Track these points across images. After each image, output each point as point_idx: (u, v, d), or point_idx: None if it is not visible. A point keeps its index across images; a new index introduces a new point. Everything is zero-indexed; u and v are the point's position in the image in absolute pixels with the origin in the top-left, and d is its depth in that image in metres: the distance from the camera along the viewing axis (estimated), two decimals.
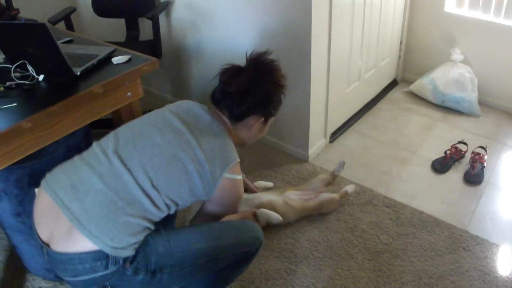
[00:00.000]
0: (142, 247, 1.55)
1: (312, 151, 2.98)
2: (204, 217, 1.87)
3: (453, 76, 3.34)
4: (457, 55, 3.36)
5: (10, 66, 2.01)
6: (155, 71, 3.41)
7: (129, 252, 1.51)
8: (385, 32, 3.31)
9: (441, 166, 2.84)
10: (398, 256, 2.27)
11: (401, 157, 2.96)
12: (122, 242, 1.49)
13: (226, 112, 1.80)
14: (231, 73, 1.79)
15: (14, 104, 1.85)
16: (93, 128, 2.23)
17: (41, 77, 2.02)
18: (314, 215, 2.52)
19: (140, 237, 1.54)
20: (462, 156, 2.91)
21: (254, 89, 1.75)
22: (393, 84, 3.77)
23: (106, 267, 1.49)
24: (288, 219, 2.44)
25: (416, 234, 2.38)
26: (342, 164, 2.68)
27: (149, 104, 3.70)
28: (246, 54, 1.82)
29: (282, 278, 2.22)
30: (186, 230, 1.74)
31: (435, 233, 2.38)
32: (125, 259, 1.51)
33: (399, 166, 2.89)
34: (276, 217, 2.21)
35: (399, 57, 3.72)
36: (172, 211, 1.65)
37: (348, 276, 2.20)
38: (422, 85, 3.50)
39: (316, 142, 3.01)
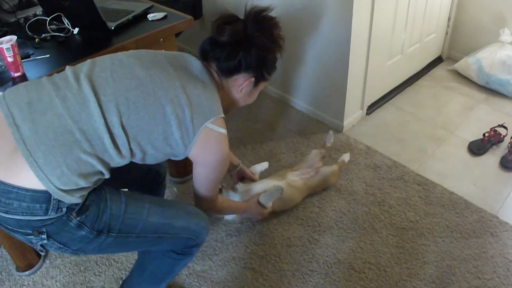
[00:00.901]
0: (96, 202, 1.43)
1: (348, 121, 2.95)
2: (195, 190, 1.74)
3: (500, 58, 3.23)
4: (506, 36, 3.24)
5: (46, 18, 2.04)
6: (197, 32, 3.39)
7: (74, 199, 1.34)
8: (433, 6, 3.21)
9: (477, 148, 2.78)
10: (423, 235, 2.25)
11: (438, 135, 2.91)
12: (69, 183, 1.31)
13: (214, 64, 1.61)
14: (226, 19, 1.57)
15: (47, 56, 1.88)
16: None
17: (76, 30, 2.04)
18: (319, 191, 2.51)
19: (89, 183, 1.37)
20: (501, 140, 2.84)
21: (249, 43, 1.57)
22: (437, 61, 3.68)
23: (46, 212, 1.32)
24: (295, 201, 2.42)
25: (444, 215, 2.35)
26: (332, 135, 2.60)
27: None
28: (246, 6, 1.63)
29: (304, 246, 2.23)
30: (145, 199, 1.60)
31: (463, 216, 2.35)
32: (70, 208, 1.36)
33: (434, 144, 2.84)
34: (276, 189, 2.22)
35: (446, 33, 3.61)
36: (137, 159, 1.48)
37: (370, 250, 2.19)
38: (467, 64, 3.41)
39: (352, 113, 2.97)
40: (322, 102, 3.00)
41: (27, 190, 1.28)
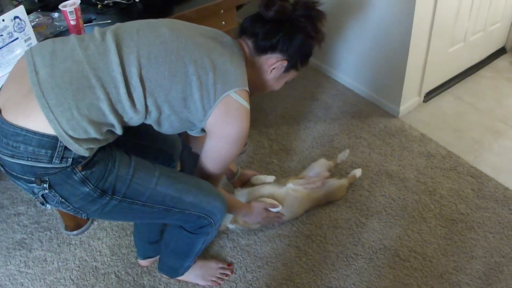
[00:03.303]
0: (104, 160, 1.39)
1: (404, 107, 2.90)
2: (201, 166, 1.65)
3: None
4: None
5: None
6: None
7: (81, 150, 1.30)
8: None
9: None
10: (472, 228, 2.21)
11: (496, 128, 2.83)
12: (78, 129, 1.28)
13: (249, 40, 1.57)
14: None
15: (109, 21, 1.91)
16: None
17: None
18: (322, 204, 2.35)
19: (99, 134, 1.33)
20: None
21: (293, 25, 1.53)
22: (500, 51, 3.55)
23: (50, 159, 1.28)
24: (295, 214, 2.26)
25: (496, 210, 2.30)
26: (347, 153, 2.50)
27: None
28: None
29: (351, 228, 2.23)
30: (156, 168, 1.54)
31: None
32: (76, 161, 1.32)
33: (492, 137, 2.77)
34: (275, 205, 2.12)
35: None
36: (151, 118, 1.43)
37: (417, 239, 2.17)
38: None
39: (409, 99, 2.92)
40: (379, 86, 2.95)
41: (35, 133, 1.25)
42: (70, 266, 2.16)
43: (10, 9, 1.66)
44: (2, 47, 1.56)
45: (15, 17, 1.59)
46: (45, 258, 2.20)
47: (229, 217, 2.13)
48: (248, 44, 1.58)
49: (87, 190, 1.37)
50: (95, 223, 2.34)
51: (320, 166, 2.37)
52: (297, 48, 1.57)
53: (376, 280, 2.02)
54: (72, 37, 1.38)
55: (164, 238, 1.91)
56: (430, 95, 3.05)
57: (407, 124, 2.85)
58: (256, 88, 1.66)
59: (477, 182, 2.45)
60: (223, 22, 2.10)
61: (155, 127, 1.51)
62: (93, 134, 1.31)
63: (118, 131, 1.39)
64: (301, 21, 1.53)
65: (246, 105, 1.49)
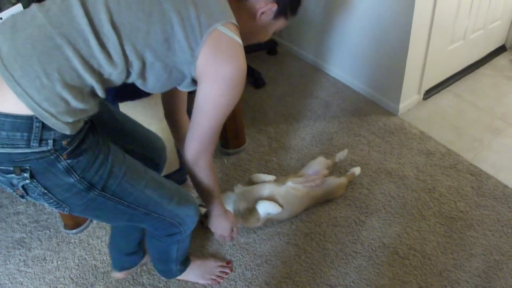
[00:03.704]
0: (94, 149, 1.29)
1: (403, 105, 2.90)
2: (192, 124, 1.43)
3: None
4: None
5: None
6: None
7: (60, 126, 1.17)
8: None
9: None
10: (472, 226, 2.21)
11: (496, 126, 2.83)
12: (52, 97, 1.14)
13: None
14: None
15: None
16: None
17: None
18: (321, 202, 2.35)
19: (79, 101, 1.18)
20: None
21: None
22: (500, 49, 3.55)
23: (28, 143, 1.16)
24: (294, 212, 2.26)
25: (496, 208, 2.29)
26: (345, 153, 2.51)
27: None
28: None
29: (350, 226, 2.23)
30: (146, 170, 1.48)
31: None
32: (60, 145, 1.20)
33: (491, 135, 2.76)
34: (275, 208, 2.11)
35: None
36: (134, 71, 1.26)
37: (417, 237, 2.17)
38: None
39: (409, 96, 2.92)
40: (379, 84, 2.95)
41: (6, 115, 1.13)
42: (69, 265, 2.16)
43: (8, 8, 1.65)
44: None
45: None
46: (45, 257, 2.20)
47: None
48: None
49: (72, 180, 1.26)
50: (95, 221, 2.34)
51: (318, 164, 2.37)
52: None
53: (375, 278, 2.02)
54: (33, 5, 1.21)
55: (146, 245, 1.93)
56: (429, 93, 3.05)
57: (406, 122, 2.85)
58: (243, 37, 1.43)
59: (476, 180, 2.45)
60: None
61: (140, 85, 1.34)
62: (73, 102, 1.17)
63: (101, 94, 1.24)
64: None
65: (238, 39, 1.30)
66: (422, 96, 3.02)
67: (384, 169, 2.52)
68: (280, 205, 2.12)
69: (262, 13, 1.45)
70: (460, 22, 2.88)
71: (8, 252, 2.23)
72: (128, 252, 2.01)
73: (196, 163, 1.50)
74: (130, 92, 2.05)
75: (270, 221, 2.22)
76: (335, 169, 2.51)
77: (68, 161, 1.23)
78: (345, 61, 3.14)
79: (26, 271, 2.14)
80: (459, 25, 2.91)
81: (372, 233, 2.20)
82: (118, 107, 2.05)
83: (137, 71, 1.26)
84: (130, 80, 1.30)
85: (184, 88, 1.43)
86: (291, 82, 3.28)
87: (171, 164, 2.31)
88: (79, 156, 1.25)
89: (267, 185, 2.19)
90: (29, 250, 2.23)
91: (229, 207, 2.10)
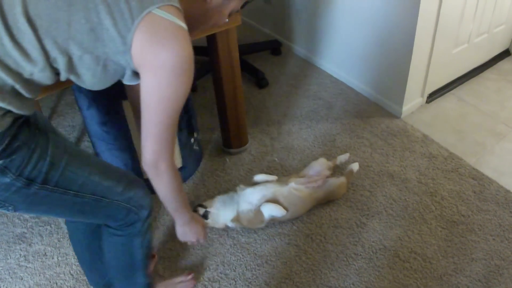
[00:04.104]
0: (28, 143, 1.19)
1: (407, 108, 2.89)
2: (142, 125, 1.30)
3: None
4: None
5: None
6: (259, 7, 3.37)
7: None
8: None
9: None
10: (473, 230, 2.21)
11: (499, 130, 2.83)
12: None
13: None
14: None
15: None
16: None
17: None
18: (323, 203, 2.35)
19: (2, 101, 1.11)
20: None
21: None
22: (505, 54, 3.54)
23: None
24: (297, 213, 2.25)
25: (497, 213, 2.29)
26: (347, 156, 2.53)
27: (248, 38, 3.71)
28: None
29: (351, 228, 2.23)
30: (89, 155, 1.43)
31: None
32: None
33: (494, 139, 2.76)
34: (280, 211, 2.11)
35: None
36: (61, 67, 1.17)
37: (418, 240, 2.17)
38: None
39: (412, 99, 2.92)
40: (382, 86, 2.95)
41: None
42: (69, 261, 2.16)
43: None
44: None
45: None
46: (45, 253, 2.20)
47: (230, 215, 2.13)
48: None
49: (8, 180, 1.17)
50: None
51: (320, 165, 2.37)
52: None
53: (375, 281, 2.02)
54: None
55: (105, 260, 1.72)
56: (433, 96, 3.05)
57: (409, 124, 2.84)
58: (196, 21, 1.37)
59: (478, 184, 2.44)
60: (227, 20, 2.08)
61: (76, 81, 1.26)
62: None
63: (25, 93, 1.16)
64: None
65: (179, 22, 1.17)
66: (425, 99, 3.01)
67: (386, 171, 2.51)
68: (284, 207, 2.12)
69: None
70: (464, 25, 2.88)
71: (9, 247, 2.23)
72: (96, 265, 1.87)
73: (155, 165, 1.34)
74: None
75: (271, 222, 2.22)
76: (336, 171, 2.51)
77: (0, 161, 1.15)
78: (349, 63, 3.14)
79: (26, 266, 2.14)
80: (464, 29, 2.90)
81: (373, 235, 2.20)
82: (122, 104, 2.06)
83: (64, 67, 1.17)
84: (62, 78, 1.22)
85: (128, 81, 1.33)
86: (294, 82, 3.27)
87: None
88: (12, 155, 1.16)
89: (269, 185, 2.19)
90: (29, 245, 2.23)
91: (232, 208, 2.10)
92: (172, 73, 1.18)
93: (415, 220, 2.26)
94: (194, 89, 3.18)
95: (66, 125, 2.96)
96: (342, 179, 2.34)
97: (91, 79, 1.24)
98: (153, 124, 1.28)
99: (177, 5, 1.20)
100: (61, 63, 1.15)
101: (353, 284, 2.01)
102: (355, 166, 2.44)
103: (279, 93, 3.17)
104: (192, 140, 2.40)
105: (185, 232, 1.74)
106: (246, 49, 3.36)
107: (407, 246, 2.14)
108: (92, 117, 2.13)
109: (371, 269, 2.06)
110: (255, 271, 2.08)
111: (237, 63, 2.29)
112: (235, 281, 2.04)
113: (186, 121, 2.29)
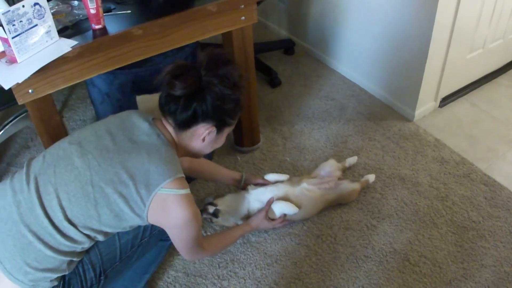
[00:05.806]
0: (75, 271, 1.51)
1: (419, 111, 2.89)
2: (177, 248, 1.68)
3: None
4: None
5: None
6: (274, 6, 3.37)
7: (53, 284, 1.46)
8: None
9: None
10: (484, 236, 2.21)
11: (511, 137, 2.82)
12: (38, 277, 1.42)
13: (170, 119, 1.55)
14: (176, 71, 1.48)
15: (129, 11, 1.90)
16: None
17: None
18: (333, 205, 2.35)
19: (62, 270, 1.46)
20: None
21: (203, 92, 1.49)
22: None
23: None
24: (308, 213, 2.24)
25: (508, 219, 2.29)
26: (355, 159, 2.55)
27: (261, 37, 3.72)
28: (198, 52, 1.60)
29: (361, 231, 2.23)
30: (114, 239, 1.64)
31: None
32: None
33: (506, 146, 2.75)
34: (292, 209, 2.11)
35: None
36: (98, 238, 1.50)
37: (428, 245, 2.17)
38: None
39: (425, 103, 2.91)
40: (396, 89, 2.94)
41: None
42: None
43: None
44: (21, 33, 1.56)
45: (35, 4, 1.58)
46: None
47: (241, 214, 2.13)
48: (171, 124, 1.57)
49: None
50: None
51: (330, 166, 2.36)
52: (217, 112, 1.54)
53: (385, 284, 2.02)
54: (8, 188, 1.46)
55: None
56: (446, 101, 3.04)
57: (421, 128, 2.84)
58: (197, 152, 1.69)
59: (489, 190, 2.44)
60: (243, 17, 2.09)
61: (112, 232, 1.56)
62: (54, 275, 1.44)
63: (75, 258, 1.49)
64: (212, 84, 1.50)
65: (182, 191, 1.47)
66: (438, 103, 3.01)
67: (397, 174, 2.51)
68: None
69: (204, 138, 1.60)
70: (480, 31, 2.87)
71: None
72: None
73: (195, 259, 1.86)
74: (147, 85, 2.06)
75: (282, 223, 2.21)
76: (349, 173, 2.51)
77: None
78: (362, 65, 3.14)
79: None
80: (479, 34, 2.89)
81: (383, 238, 2.20)
82: (136, 99, 2.06)
83: (103, 238, 1.51)
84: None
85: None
86: (307, 82, 3.28)
87: None
88: (70, 284, 1.50)
89: (281, 185, 2.19)
90: None
91: (243, 207, 2.11)
92: (183, 227, 1.52)
93: (426, 224, 2.26)
94: None
95: (77, 119, 2.98)
96: (355, 186, 2.34)
97: (124, 235, 1.60)
98: (179, 246, 1.63)
99: (180, 174, 1.48)
100: (100, 237, 1.49)
101: (362, 287, 2.01)
102: (371, 178, 2.44)
103: (291, 93, 3.17)
104: None
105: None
106: (259, 48, 3.35)
107: (417, 250, 2.15)
108: (105, 112, 2.14)
109: (380, 272, 2.07)
110: (264, 270, 2.09)
111: (252, 60, 2.30)
112: (245, 280, 2.05)
113: None
